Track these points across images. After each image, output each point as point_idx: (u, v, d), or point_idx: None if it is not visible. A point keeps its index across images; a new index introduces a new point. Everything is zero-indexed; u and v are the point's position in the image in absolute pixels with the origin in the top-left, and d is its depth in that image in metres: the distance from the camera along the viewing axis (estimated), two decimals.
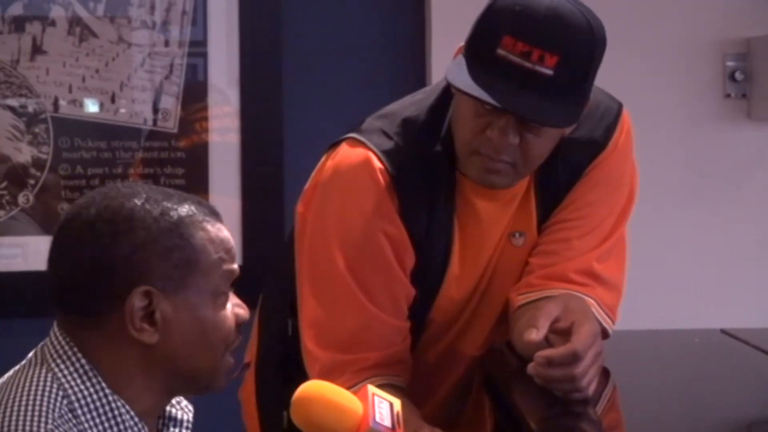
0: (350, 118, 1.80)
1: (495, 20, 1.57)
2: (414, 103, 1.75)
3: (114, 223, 1.32)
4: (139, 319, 1.30)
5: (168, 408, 1.43)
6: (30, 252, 2.60)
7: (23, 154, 2.63)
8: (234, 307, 1.39)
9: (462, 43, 1.65)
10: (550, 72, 1.54)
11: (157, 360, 1.34)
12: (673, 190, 2.82)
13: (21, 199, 2.64)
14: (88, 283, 1.32)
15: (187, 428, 1.46)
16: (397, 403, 1.46)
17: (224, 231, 1.38)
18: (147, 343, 1.32)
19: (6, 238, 2.63)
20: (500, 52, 1.55)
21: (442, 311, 1.78)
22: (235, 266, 1.39)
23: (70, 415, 1.28)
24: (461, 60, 1.61)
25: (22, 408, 1.27)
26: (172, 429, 1.44)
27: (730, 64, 2.86)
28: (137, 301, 1.30)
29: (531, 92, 1.54)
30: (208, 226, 1.36)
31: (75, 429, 1.28)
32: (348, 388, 1.46)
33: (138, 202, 1.33)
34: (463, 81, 1.57)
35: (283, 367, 1.81)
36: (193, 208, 1.36)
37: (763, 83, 2.81)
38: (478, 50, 1.58)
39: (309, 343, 1.70)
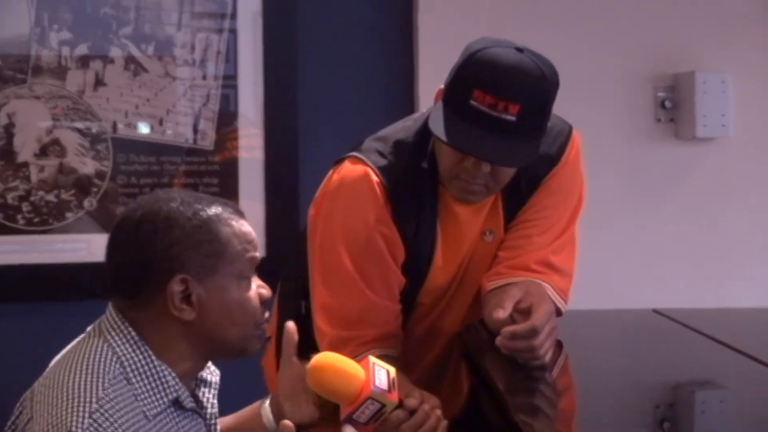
0: (352, 138, 1.80)
1: (469, 75, 1.57)
2: (404, 129, 1.75)
3: (154, 223, 1.32)
4: (178, 300, 1.31)
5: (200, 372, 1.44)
6: (93, 247, 2.59)
7: (88, 167, 2.63)
8: (258, 288, 1.40)
9: (442, 85, 1.64)
10: (513, 118, 1.53)
11: (196, 332, 1.34)
12: (615, 196, 2.82)
13: (86, 203, 2.64)
14: (136, 272, 1.33)
15: (215, 388, 1.47)
16: (393, 371, 1.47)
17: (246, 226, 1.39)
18: (186, 320, 1.32)
19: (74, 235, 2.63)
20: (472, 103, 1.54)
21: (428, 295, 1.78)
22: (257, 254, 1.39)
23: (121, 377, 1.29)
24: (440, 106, 1.61)
25: (83, 371, 1.28)
26: (203, 389, 1.45)
27: (660, 94, 2.86)
28: (176, 287, 1.31)
29: (498, 135, 1.54)
30: (233, 222, 1.36)
31: (126, 388, 1.29)
32: (352, 359, 1.47)
33: (174, 205, 1.34)
34: (442, 129, 1.57)
35: (297, 341, 1.81)
36: (219, 208, 1.36)
37: (687, 110, 2.81)
38: (455, 100, 1.58)
39: (319, 322, 1.70)
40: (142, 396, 1.30)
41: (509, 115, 1.53)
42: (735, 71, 2.85)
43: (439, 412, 1.50)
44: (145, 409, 1.29)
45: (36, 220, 2.61)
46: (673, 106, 2.85)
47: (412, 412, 1.47)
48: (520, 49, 1.57)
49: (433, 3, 2.73)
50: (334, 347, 1.59)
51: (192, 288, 1.31)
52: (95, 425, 1.21)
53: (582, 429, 1.39)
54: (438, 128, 1.58)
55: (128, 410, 1.26)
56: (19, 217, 2.61)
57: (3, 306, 2.60)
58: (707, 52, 2.85)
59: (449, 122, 1.57)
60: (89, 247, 2.61)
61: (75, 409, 1.22)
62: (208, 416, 1.43)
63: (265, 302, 1.41)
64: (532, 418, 1.38)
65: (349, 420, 1.42)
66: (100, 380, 1.26)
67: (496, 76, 1.54)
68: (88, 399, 1.23)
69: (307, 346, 1.64)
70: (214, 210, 1.35)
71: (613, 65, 2.83)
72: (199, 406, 1.42)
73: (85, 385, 1.25)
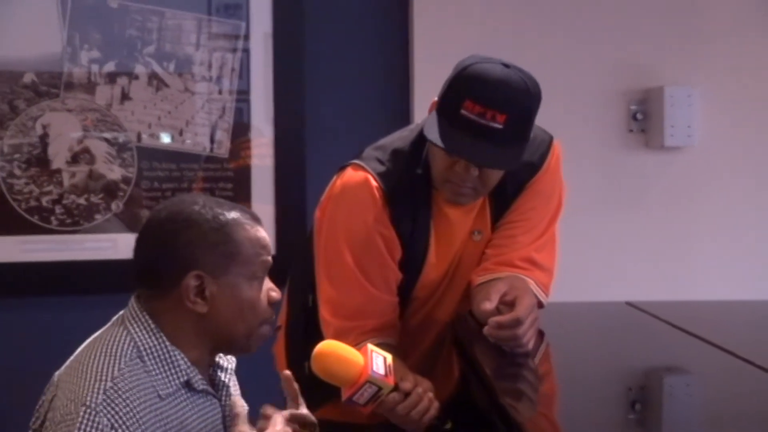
0: (353, 147, 1.80)
1: (460, 87, 1.56)
2: (401, 138, 1.75)
3: (176, 223, 1.32)
4: (192, 294, 1.31)
5: (216, 359, 1.43)
6: (119, 245, 2.60)
7: (115, 173, 2.63)
8: (269, 291, 1.39)
9: (435, 98, 1.64)
10: (500, 126, 1.53)
11: (206, 324, 1.34)
12: (591, 199, 2.81)
13: (113, 206, 2.64)
14: (157, 266, 1.33)
15: (230, 373, 1.47)
16: (389, 357, 1.47)
17: (262, 231, 1.38)
18: (199, 312, 1.32)
19: (103, 235, 2.63)
20: (463, 112, 1.53)
21: (423, 289, 1.77)
22: (269, 258, 1.38)
23: (137, 360, 1.29)
24: (434, 116, 1.60)
25: (102, 354, 1.29)
26: (219, 373, 1.44)
27: (632, 107, 2.86)
28: (191, 281, 1.31)
29: (486, 141, 1.53)
30: (248, 227, 1.35)
31: (141, 369, 1.29)
32: (353, 347, 1.46)
33: (196, 208, 1.34)
34: (436, 135, 1.56)
35: (305, 330, 1.80)
36: (238, 213, 1.36)
37: (657, 122, 2.82)
38: (447, 109, 1.58)
39: (324, 313, 1.70)
40: (156, 377, 1.30)
41: (496, 123, 1.53)
42: (700, 86, 2.85)
43: (431, 394, 1.51)
44: (158, 388, 1.29)
45: (68, 221, 2.61)
46: (643, 118, 2.86)
47: (407, 395, 1.47)
48: (506, 65, 1.57)
49: (426, 29, 2.73)
50: (338, 336, 1.58)
51: (206, 284, 1.31)
52: (108, 400, 1.22)
53: (561, 411, 1.39)
54: (432, 134, 1.57)
55: (141, 389, 1.27)
56: (52, 218, 2.61)
57: (38, 299, 2.60)
58: (675, 69, 2.86)
59: (442, 129, 1.57)
60: (116, 245, 2.61)
61: (91, 386, 1.23)
62: (223, 398, 1.43)
63: (273, 304, 1.39)
64: (516, 401, 1.38)
65: (350, 401, 1.43)
66: (117, 362, 1.27)
67: (485, 87, 1.54)
68: (103, 377, 1.24)
69: (315, 336, 1.64)
70: (233, 215, 1.35)
71: (590, 81, 2.83)
72: (216, 389, 1.42)
73: (103, 365, 1.26)
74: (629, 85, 2.85)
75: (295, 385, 1.43)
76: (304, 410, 1.41)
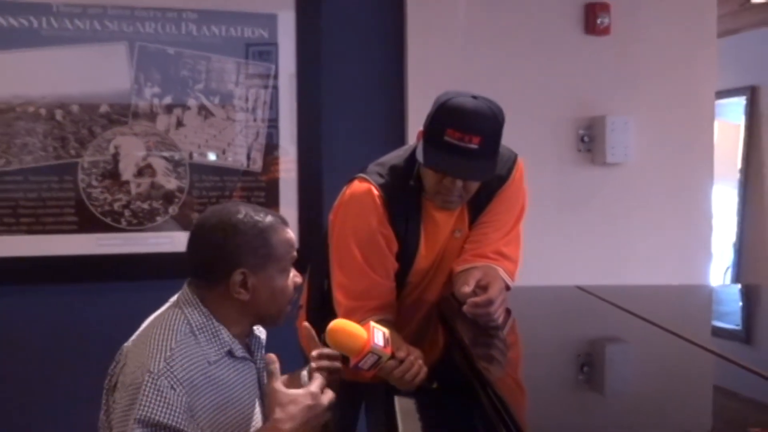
0: (359, 164, 1.79)
1: (442, 119, 1.56)
2: (397, 156, 1.75)
3: (224, 230, 1.32)
4: (238, 287, 1.32)
5: (253, 330, 1.44)
6: (176, 241, 2.59)
7: (172, 184, 2.63)
8: (294, 277, 1.40)
9: (421, 128, 1.64)
10: (476, 147, 1.53)
11: (247, 307, 1.35)
12: (548, 204, 2.81)
13: (170, 210, 2.63)
14: (208, 264, 1.34)
15: (263, 343, 1.47)
16: (387, 331, 1.46)
17: (290, 232, 1.39)
18: (242, 300, 1.33)
19: (162, 233, 2.62)
20: (446, 138, 1.54)
21: (415, 276, 1.77)
22: (295, 253, 1.40)
23: (190, 334, 1.30)
24: (423, 144, 1.60)
25: (163, 331, 1.29)
26: (254, 343, 1.45)
27: (580, 131, 2.86)
28: (237, 277, 1.32)
29: (466, 159, 1.54)
30: (280, 230, 1.36)
31: (193, 341, 1.30)
32: (359, 322, 1.46)
33: (239, 216, 1.34)
34: (428, 160, 1.57)
35: (321, 308, 1.80)
36: (271, 218, 1.36)
37: (600, 143, 2.82)
38: (434, 137, 1.58)
39: (336, 295, 1.70)
40: (205, 347, 1.31)
41: (473, 144, 1.53)
42: (635, 115, 2.86)
43: (421, 361, 1.50)
44: (207, 356, 1.30)
45: (134, 222, 2.61)
46: (589, 140, 2.85)
47: (402, 361, 1.47)
48: (475, 97, 1.57)
49: (418, 72, 2.72)
50: (347, 314, 1.59)
51: (248, 278, 1.32)
52: (167, 366, 1.23)
53: (525, 372, 1.39)
54: (425, 160, 1.58)
55: (194, 356, 1.28)
56: (122, 220, 2.60)
57: (111, 284, 2.60)
58: (615, 102, 2.86)
59: (432, 154, 1.57)
60: (173, 241, 2.60)
61: (154, 356, 1.24)
62: (257, 363, 1.43)
63: (297, 287, 1.41)
64: (489, 364, 1.38)
65: (356, 367, 1.42)
66: (173, 336, 1.28)
67: (461, 117, 1.54)
68: (163, 348, 1.25)
69: (329, 314, 1.64)
70: (269, 220, 1.36)
71: (548, 111, 2.83)
72: (251, 356, 1.41)
73: (163, 339, 1.27)
74: (578, 114, 2.85)
75: (311, 330, 1.46)
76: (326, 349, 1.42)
